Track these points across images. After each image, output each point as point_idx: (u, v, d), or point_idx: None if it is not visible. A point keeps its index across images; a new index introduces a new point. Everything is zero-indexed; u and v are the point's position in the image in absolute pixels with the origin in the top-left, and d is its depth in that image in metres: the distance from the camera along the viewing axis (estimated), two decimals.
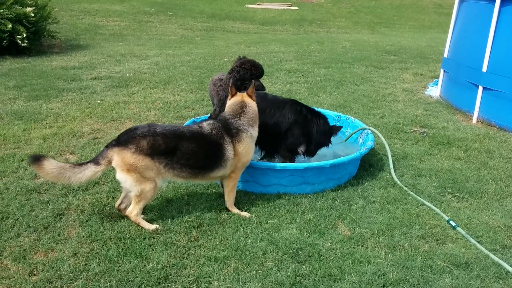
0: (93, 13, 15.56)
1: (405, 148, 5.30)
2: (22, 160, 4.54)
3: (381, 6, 23.75)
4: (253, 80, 4.35)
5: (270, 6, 21.95)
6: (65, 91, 7.06)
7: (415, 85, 8.48)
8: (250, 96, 3.78)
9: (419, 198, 4.13)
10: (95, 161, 3.37)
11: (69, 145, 4.97)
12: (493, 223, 3.78)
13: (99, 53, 10.39)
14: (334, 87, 7.96)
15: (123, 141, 3.37)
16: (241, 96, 3.77)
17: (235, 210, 3.79)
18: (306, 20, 19.12)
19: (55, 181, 3.45)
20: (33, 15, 9.59)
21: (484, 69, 6.20)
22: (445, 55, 7.66)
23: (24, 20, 9.49)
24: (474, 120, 6.41)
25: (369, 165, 4.78)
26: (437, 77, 8.22)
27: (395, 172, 4.58)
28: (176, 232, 3.47)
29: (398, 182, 4.39)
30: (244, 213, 3.76)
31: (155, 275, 2.98)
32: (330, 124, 4.66)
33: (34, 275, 2.97)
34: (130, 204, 3.55)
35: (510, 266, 3.21)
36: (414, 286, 2.98)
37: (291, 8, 21.79)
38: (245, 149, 3.68)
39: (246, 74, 4.45)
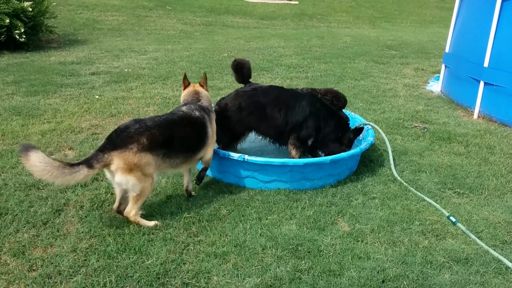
0: (91, 8, 15.47)
1: (406, 144, 5.29)
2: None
3: (382, 1, 23.63)
4: (204, 73, 4.35)
5: (270, 0, 21.85)
6: (64, 87, 7.03)
7: (416, 80, 8.46)
8: (202, 86, 4.08)
9: (419, 194, 4.12)
10: (88, 164, 3.17)
11: (67, 141, 4.95)
12: (494, 219, 3.78)
13: (97, 48, 10.35)
14: (334, 82, 7.93)
15: (120, 142, 3.26)
16: (193, 86, 4.07)
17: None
18: (307, 15, 19.04)
19: (39, 176, 3.11)
20: (30, 9, 9.54)
21: (486, 64, 6.17)
22: (447, 50, 7.63)
23: (21, 15, 9.44)
24: (475, 116, 6.40)
25: (369, 161, 4.77)
26: (438, 72, 8.20)
27: (395, 168, 4.56)
28: (175, 228, 3.46)
29: (398, 178, 4.38)
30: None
31: (154, 271, 2.97)
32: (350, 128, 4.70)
33: (33, 270, 2.97)
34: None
35: (510, 261, 3.20)
36: (413, 282, 2.98)
37: (291, 2, 21.69)
38: (215, 127, 3.98)
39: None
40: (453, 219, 3.70)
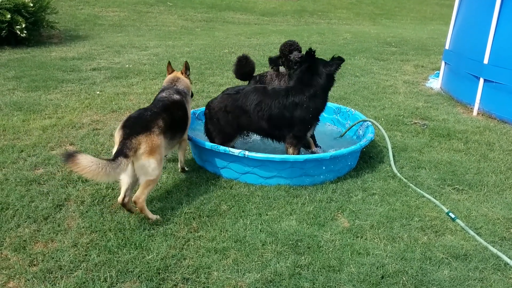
0: (92, 3, 15.46)
1: (405, 140, 5.30)
2: (22, 151, 4.53)
3: None
4: (186, 61, 4.52)
5: None
6: (65, 82, 7.04)
7: (416, 77, 8.46)
8: (183, 73, 4.38)
9: (418, 190, 4.13)
10: (124, 154, 3.23)
11: (68, 136, 4.96)
12: (493, 215, 3.79)
13: (98, 44, 10.35)
14: None
15: (143, 127, 3.42)
16: (175, 73, 4.36)
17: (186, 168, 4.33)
18: (307, 11, 19.01)
19: (93, 177, 3.11)
20: (32, 5, 9.54)
21: (486, 61, 6.18)
22: (447, 47, 7.62)
23: (23, 10, 9.44)
24: (475, 112, 6.40)
25: (369, 157, 4.78)
26: (438, 69, 8.20)
27: (395, 164, 4.57)
28: (176, 223, 3.48)
29: (398, 174, 4.39)
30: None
31: (155, 266, 2.99)
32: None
33: (34, 265, 2.98)
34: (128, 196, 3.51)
35: (508, 258, 3.22)
36: (412, 278, 2.99)
37: None
38: (190, 108, 4.31)
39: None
40: (452, 215, 3.71)
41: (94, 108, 5.91)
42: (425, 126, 5.75)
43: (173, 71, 4.38)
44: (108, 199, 3.76)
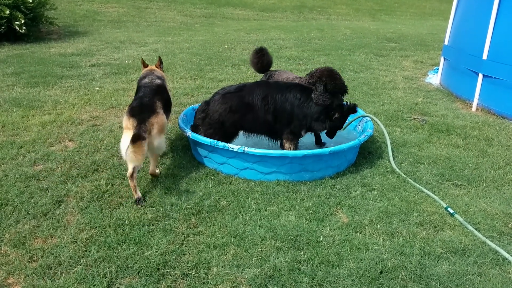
0: None
1: (404, 136, 5.30)
2: (21, 147, 4.54)
3: None
4: (159, 56, 4.84)
5: None
6: (64, 78, 7.03)
7: (415, 73, 8.45)
8: (157, 66, 4.70)
9: (417, 185, 4.14)
10: (142, 137, 3.57)
11: (68, 132, 4.96)
12: (491, 210, 3.80)
13: (97, 39, 10.33)
14: None
15: (149, 110, 3.82)
16: (151, 66, 4.68)
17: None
18: (307, 7, 18.96)
19: (140, 161, 3.63)
20: (31, 1, 9.51)
21: (485, 56, 6.17)
22: (446, 42, 7.61)
23: (22, 6, 9.41)
24: (474, 108, 6.40)
25: (368, 153, 4.79)
26: (437, 64, 8.19)
27: (394, 160, 4.58)
28: (175, 219, 3.49)
29: (397, 170, 4.40)
30: None
31: (154, 262, 2.99)
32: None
33: (34, 261, 2.99)
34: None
35: (507, 252, 3.23)
36: (411, 273, 3.00)
37: None
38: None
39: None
40: (451, 211, 3.72)
41: (94, 104, 5.91)
42: (424, 122, 5.76)
43: (147, 65, 4.72)
44: (107, 195, 3.77)
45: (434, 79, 7.88)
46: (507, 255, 3.20)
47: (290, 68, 8.33)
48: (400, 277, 2.96)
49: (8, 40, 9.45)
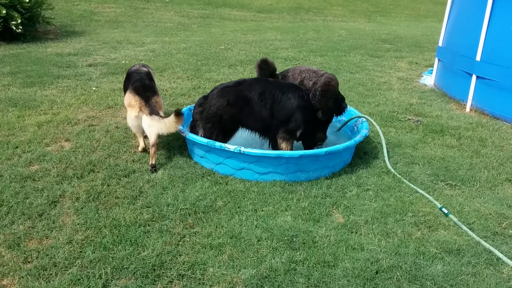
0: None
1: (399, 136, 5.33)
2: (17, 147, 4.52)
3: None
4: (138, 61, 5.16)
5: None
6: (60, 78, 7.01)
7: (410, 74, 8.49)
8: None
9: (412, 185, 4.16)
10: (156, 112, 4.18)
11: (64, 132, 4.95)
12: (485, 211, 3.83)
13: (94, 39, 10.30)
14: None
15: (151, 92, 4.35)
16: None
17: None
18: (303, 8, 18.99)
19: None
20: (27, 0, 9.47)
21: (478, 58, 6.22)
22: (440, 44, 7.65)
23: (18, 6, 9.37)
24: (468, 109, 6.44)
25: (363, 153, 4.81)
26: (432, 66, 8.23)
27: (389, 160, 4.60)
28: (171, 219, 3.49)
29: (392, 170, 4.42)
30: None
31: (150, 262, 3.00)
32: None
33: (29, 262, 2.98)
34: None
35: (501, 252, 3.25)
36: (406, 273, 3.02)
37: None
38: None
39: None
40: (445, 211, 3.75)
41: (90, 104, 5.90)
42: (419, 122, 5.79)
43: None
44: (103, 195, 3.77)
45: (429, 80, 7.92)
46: (501, 255, 3.23)
47: (287, 68, 8.33)
48: (395, 277, 2.98)
49: (5, 40, 9.41)
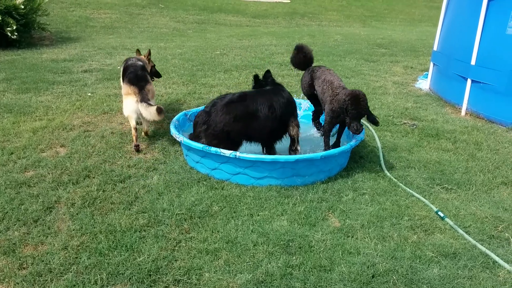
0: (84, 5, 15.39)
1: (395, 140, 5.34)
2: (12, 153, 4.51)
3: (373, 0, 23.73)
4: (149, 49, 5.68)
5: None
6: (56, 84, 7.00)
7: (405, 78, 8.52)
8: (145, 56, 5.52)
9: (408, 189, 4.17)
10: (146, 99, 4.64)
11: (59, 138, 4.94)
12: (481, 214, 3.83)
13: (90, 45, 10.30)
14: None
15: (144, 81, 4.83)
16: (141, 55, 5.53)
17: None
18: (298, 13, 19.06)
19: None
20: (22, 7, 9.47)
21: (473, 62, 6.25)
22: (435, 48, 7.69)
23: (13, 12, 9.37)
24: (463, 113, 6.47)
25: (359, 157, 4.82)
26: (427, 70, 8.26)
27: (385, 164, 4.61)
28: (167, 224, 3.48)
29: (388, 174, 4.43)
30: None
31: (146, 268, 2.99)
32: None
33: (24, 268, 2.97)
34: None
35: (497, 256, 3.26)
36: (402, 277, 3.02)
37: (283, 1, 21.70)
38: None
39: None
40: (442, 214, 3.75)
41: (85, 109, 5.89)
42: (414, 126, 5.81)
43: (140, 54, 5.58)
44: (99, 201, 3.75)
45: (424, 84, 7.95)
46: (497, 259, 3.23)
47: (282, 73, 8.37)
48: (391, 281, 2.98)
49: (0, 46, 9.40)
